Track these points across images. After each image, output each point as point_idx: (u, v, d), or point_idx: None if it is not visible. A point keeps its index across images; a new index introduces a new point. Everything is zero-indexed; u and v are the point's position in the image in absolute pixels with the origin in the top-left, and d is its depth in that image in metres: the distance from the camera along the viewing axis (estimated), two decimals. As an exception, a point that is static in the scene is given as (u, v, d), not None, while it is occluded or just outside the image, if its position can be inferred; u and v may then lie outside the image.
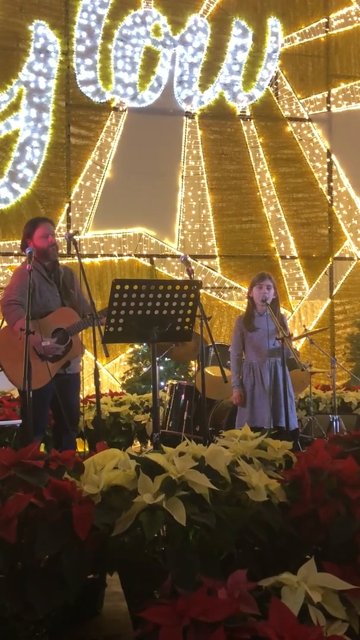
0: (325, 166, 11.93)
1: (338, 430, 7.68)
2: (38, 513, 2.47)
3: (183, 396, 7.19)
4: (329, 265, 11.80)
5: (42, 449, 5.41)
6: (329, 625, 2.17)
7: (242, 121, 11.53)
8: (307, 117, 11.90)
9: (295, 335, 9.26)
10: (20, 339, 4.64)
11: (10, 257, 10.23)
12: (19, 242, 9.96)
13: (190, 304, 4.41)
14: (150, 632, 2.08)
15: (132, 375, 10.26)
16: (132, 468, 2.73)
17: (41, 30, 10.37)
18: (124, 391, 9.75)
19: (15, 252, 10.21)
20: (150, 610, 2.12)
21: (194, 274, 5.54)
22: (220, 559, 2.61)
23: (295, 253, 11.64)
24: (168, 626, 2.05)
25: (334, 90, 12.05)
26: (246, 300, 6.38)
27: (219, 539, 2.55)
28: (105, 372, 10.37)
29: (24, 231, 5.47)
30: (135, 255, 10.85)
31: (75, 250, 5.14)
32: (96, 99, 10.70)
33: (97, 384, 4.75)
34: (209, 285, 11.16)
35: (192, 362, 9.85)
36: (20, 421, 6.23)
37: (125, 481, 2.68)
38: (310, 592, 2.22)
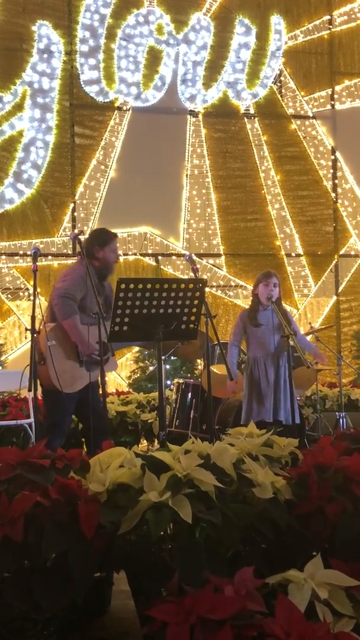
0: (330, 163, 11.91)
1: (345, 428, 7.66)
2: (44, 512, 2.47)
3: (189, 395, 7.19)
4: (334, 262, 11.79)
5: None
6: (336, 621, 2.16)
7: (246, 119, 11.52)
8: (311, 115, 11.89)
9: (302, 332, 9.24)
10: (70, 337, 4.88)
11: (16, 257, 10.24)
12: (24, 242, 10.19)
13: (196, 302, 4.41)
14: (158, 630, 2.08)
15: (138, 374, 10.28)
16: (137, 466, 2.72)
17: (44, 31, 10.39)
18: (131, 390, 9.76)
19: (21, 252, 10.22)
20: (158, 608, 2.12)
21: (199, 273, 5.54)
22: (227, 556, 2.61)
23: (300, 251, 11.63)
24: (175, 624, 2.04)
25: (337, 88, 12.03)
26: (252, 298, 6.39)
27: (226, 536, 2.55)
28: (112, 371, 10.37)
29: (95, 237, 5.46)
30: (141, 255, 10.85)
31: (80, 250, 5.15)
32: (100, 99, 10.71)
33: (103, 383, 4.75)
34: (214, 283, 11.16)
35: (198, 361, 9.84)
36: (28, 421, 6.23)
37: (131, 479, 2.68)
38: (317, 589, 2.21)
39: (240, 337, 6.21)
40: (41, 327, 5.09)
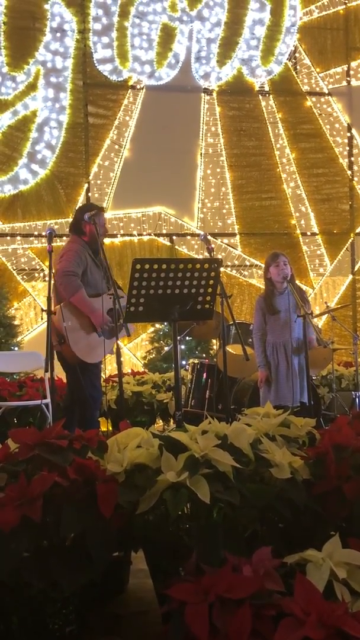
0: (346, 141, 11.79)
1: (361, 407, 7.65)
2: (63, 492, 2.49)
3: (205, 375, 7.20)
4: (350, 241, 11.70)
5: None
6: (355, 601, 2.16)
7: (260, 97, 11.41)
8: (326, 91, 11.75)
9: (317, 312, 9.21)
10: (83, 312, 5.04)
11: (31, 238, 10.24)
12: (39, 223, 10.20)
13: (211, 282, 4.39)
14: (176, 609, 2.09)
15: (153, 355, 10.29)
16: (155, 446, 2.73)
17: (57, 9, 10.30)
18: (146, 370, 9.77)
19: (36, 233, 10.22)
20: (176, 588, 2.13)
21: (214, 252, 5.52)
22: (245, 536, 2.62)
23: (316, 229, 11.56)
24: (194, 603, 2.05)
25: (353, 64, 11.87)
26: (264, 284, 6.35)
27: (243, 516, 2.56)
28: (127, 352, 10.39)
29: (82, 213, 5.46)
30: (155, 235, 10.82)
31: (95, 231, 5.16)
32: (113, 78, 10.64)
33: (119, 363, 4.77)
34: (229, 263, 11.12)
35: (214, 341, 9.84)
36: (45, 401, 6.26)
37: (149, 459, 2.69)
38: (335, 568, 2.21)
39: (262, 325, 6.16)
40: (55, 309, 5.14)
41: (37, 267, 10.24)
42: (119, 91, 10.77)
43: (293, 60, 11.63)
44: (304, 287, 10.57)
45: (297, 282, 10.89)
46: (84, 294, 5.07)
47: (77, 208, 5.75)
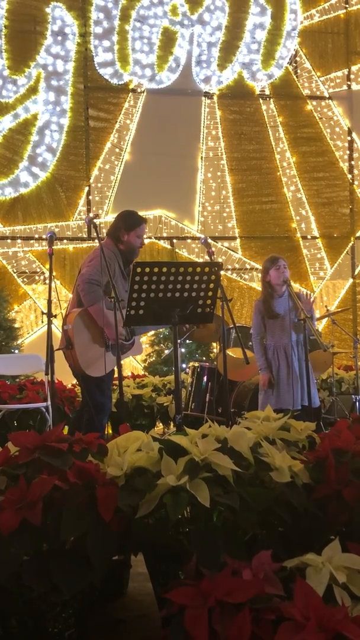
0: (346, 144, 11.81)
1: (361, 411, 7.65)
2: (63, 495, 2.48)
3: (205, 378, 7.19)
4: (350, 244, 11.71)
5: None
6: (354, 605, 2.16)
7: (261, 100, 11.43)
8: (327, 95, 11.77)
9: (317, 315, 9.21)
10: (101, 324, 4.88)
11: (32, 241, 10.25)
12: (39, 226, 10.20)
13: (211, 285, 4.38)
14: (176, 613, 2.09)
15: (154, 358, 10.29)
16: (155, 450, 2.73)
17: (58, 13, 10.33)
18: (146, 373, 9.77)
19: (36, 236, 10.23)
20: (176, 592, 2.12)
21: (215, 256, 5.51)
22: (245, 540, 2.61)
23: (316, 233, 11.57)
24: (193, 607, 2.05)
25: (354, 68, 11.90)
26: (262, 288, 6.34)
27: (243, 520, 2.55)
28: (127, 355, 10.38)
29: (123, 220, 5.35)
30: (155, 238, 10.82)
31: (95, 234, 5.13)
32: (114, 81, 10.66)
33: (119, 366, 4.75)
34: (229, 266, 11.13)
35: (214, 344, 9.84)
36: (45, 404, 6.26)
37: (149, 463, 2.68)
38: (335, 572, 2.21)
39: (260, 327, 6.15)
40: (69, 312, 5.09)
41: (38, 270, 10.24)
42: (119, 94, 10.79)
43: (294, 64, 11.65)
44: (304, 291, 10.58)
45: (298, 285, 10.96)
46: (102, 306, 4.95)
47: (118, 214, 5.59)
